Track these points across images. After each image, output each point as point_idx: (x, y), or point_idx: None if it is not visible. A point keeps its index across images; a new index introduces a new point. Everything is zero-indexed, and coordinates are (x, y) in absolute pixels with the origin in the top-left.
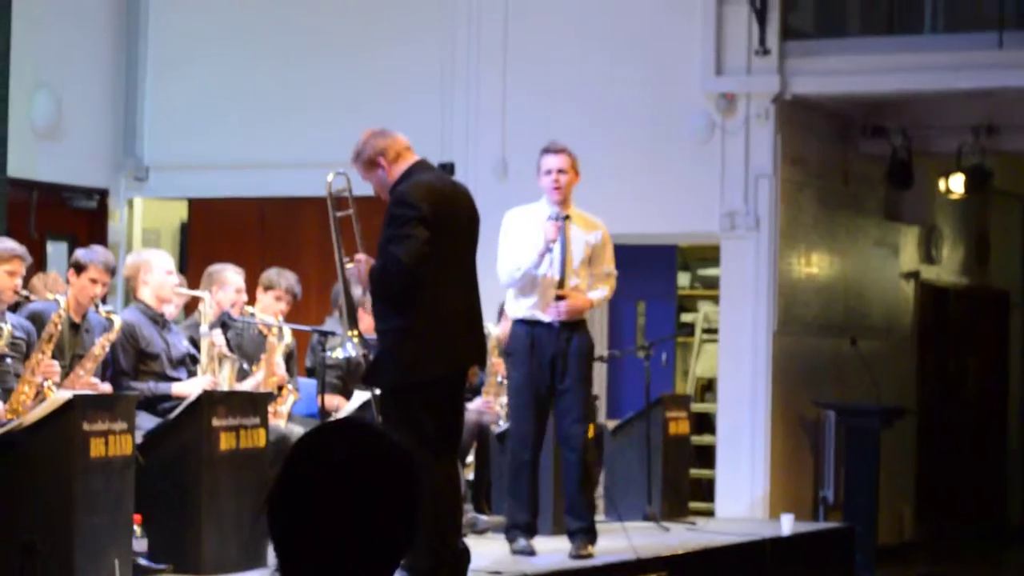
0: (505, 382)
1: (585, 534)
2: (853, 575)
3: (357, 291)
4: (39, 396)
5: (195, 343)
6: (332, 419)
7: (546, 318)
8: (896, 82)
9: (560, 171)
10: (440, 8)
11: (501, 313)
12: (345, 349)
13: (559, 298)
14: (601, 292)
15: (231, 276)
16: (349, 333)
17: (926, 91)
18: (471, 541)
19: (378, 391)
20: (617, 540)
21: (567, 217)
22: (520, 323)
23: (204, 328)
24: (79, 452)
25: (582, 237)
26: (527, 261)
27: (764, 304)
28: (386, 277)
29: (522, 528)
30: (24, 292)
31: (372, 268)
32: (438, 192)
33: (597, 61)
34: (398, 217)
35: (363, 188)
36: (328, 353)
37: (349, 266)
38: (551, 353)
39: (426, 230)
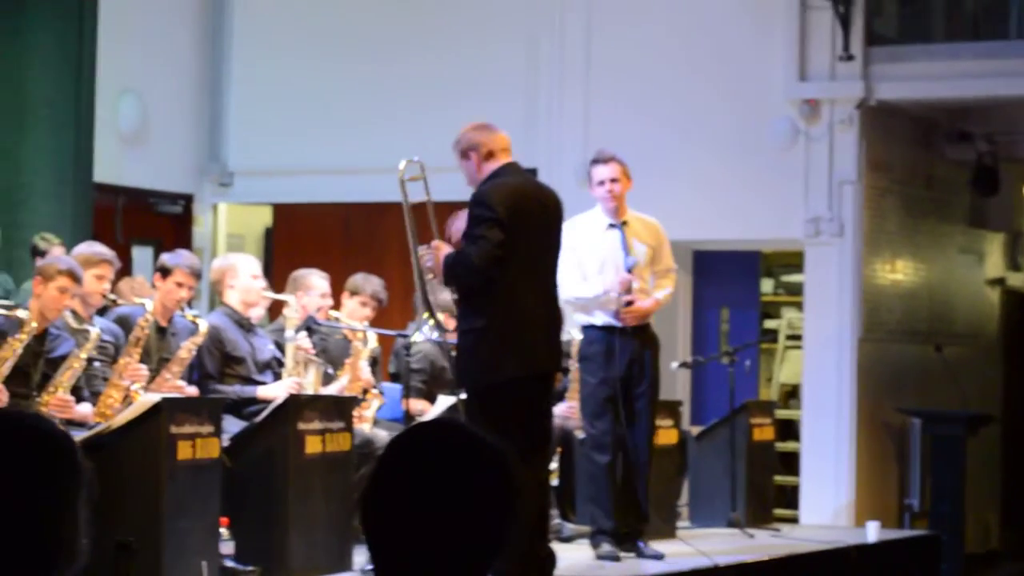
0: None
1: (639, 536)
2: None
3: (432, 276)
4: (126, 399)
5: (280, 347)
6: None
7: (618, 324)
8: (981, 87)
9: (613, 180)
10: (525, 16)
11: None
12: (422, 333)
13: (628, 303)
14: (665, 291)
15: (316, 281)
16: (425, 315)
17: (1011, 96)
18: (557, 548)
19: (464, 394)
20: (701, 545)
21: (624, 223)
22: (594, 329)
23: (289, 332)
24: (166, 455)
25: (641, 241)
26: (591, 292)
27: (848, 310)
28: (455, 269)
29: (606, 533)
30: (112, 296)
31: (447, 256)
32: (520, 195)
33: (680, 68)
34: (475, 217)
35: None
36: (413, 357)
37: (423, 251)
38: (628, 358)
39: (501, 233)
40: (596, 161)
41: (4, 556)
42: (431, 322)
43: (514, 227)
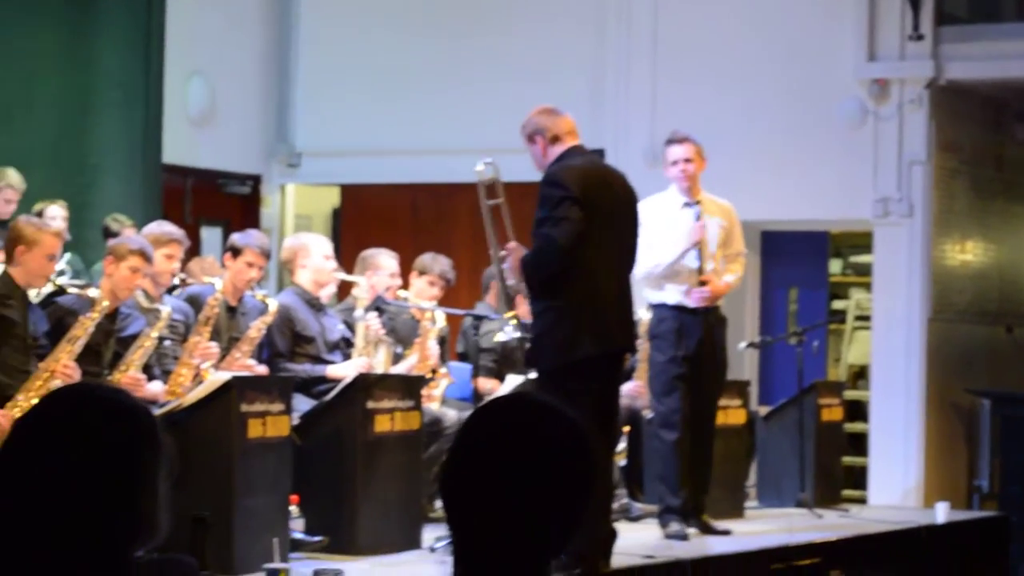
0: None
1: (702, 512)
2: (1008, 565)
3: (511, 280)
4: (197, 378)
5: (349, 327)
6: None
7: (691, 304)
8: None
9: (687, 160)
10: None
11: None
12: (504, 332)
13: (701, 283)
14: (735, 275)
15: (385, 260)
16: (506, 316)
17: None
18: (625, 527)
19: (534, 374)
20: (769, 525)
21: (698, 202)
22: (665, 308)
23: (359, 312)
24: (237, 433)
25: (715, 222)
26: (667, 257)
27: (917, 291)
28: (540, 259)
29: (674, 511)
30: (182, 275)
31: (524, 255)
32: (589, 175)
33: (748, 47)
34: (550, 198)
35: (512, 175)
36: (481, 337)
37: (502, 254)
38: (697, 338)
39: (579, 210)
40: (671, 141)
41: (87, 529)
42: (513, 322)
43: (588, 206)
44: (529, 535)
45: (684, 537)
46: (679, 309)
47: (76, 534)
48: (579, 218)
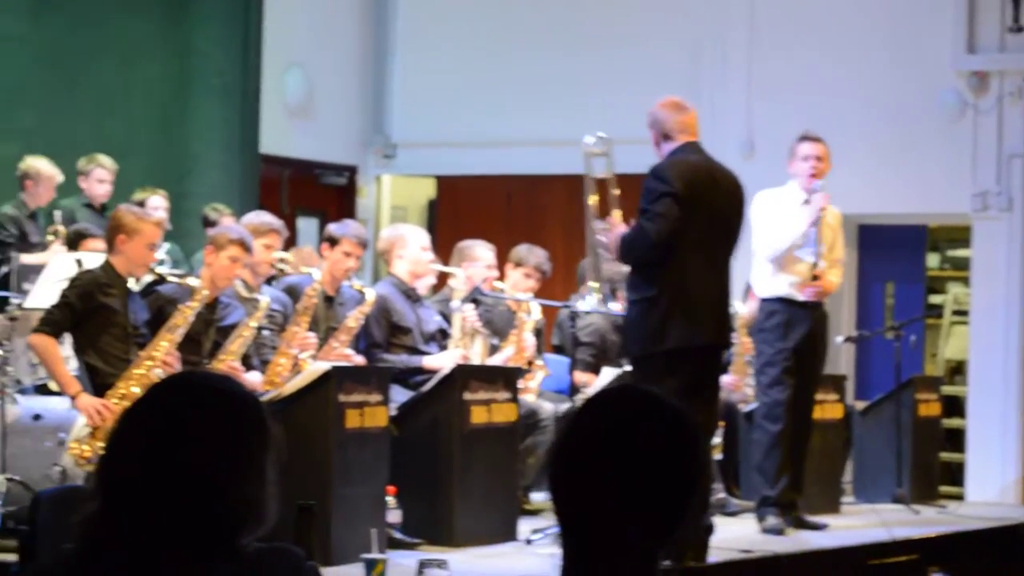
0: (753, 361)
1: (796, 507)
2: None
3: (606, 254)
4: (295, 368)
5: (445, 318)
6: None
7: (801, 297)
8: None
9: (818, 158)
10: None
11: (747, 292)
12: (585, 301)
13: (814, 277)
14: (837, 278)
15: (482, 252)
16: (592, 284)
17: None
18: (721, 522)
19: (628, 366)
20: (865, 521)
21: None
22: (775, 301)
23: (455, 303)
24: (335, 423)
25: (829, 223)
26: (794, 232)
27: (1017, 286)
28: (632, 246)
29: (770, 504)
30: (280, 265)
31: (623, 234)
32: (697, 172)
33: (846, 39)
34: (652, 191)
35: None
36: (578, 330)
37: (600, 225)
38: (804, 332)
39: (677, 207)
40: (806, 138)
41: (197, 516)
42: (597, 294)
43: (690, 202)
44: (637, 526)
45: (781, 531)
46: (788, 302)
47: (185, 521)
48: (676, 215)
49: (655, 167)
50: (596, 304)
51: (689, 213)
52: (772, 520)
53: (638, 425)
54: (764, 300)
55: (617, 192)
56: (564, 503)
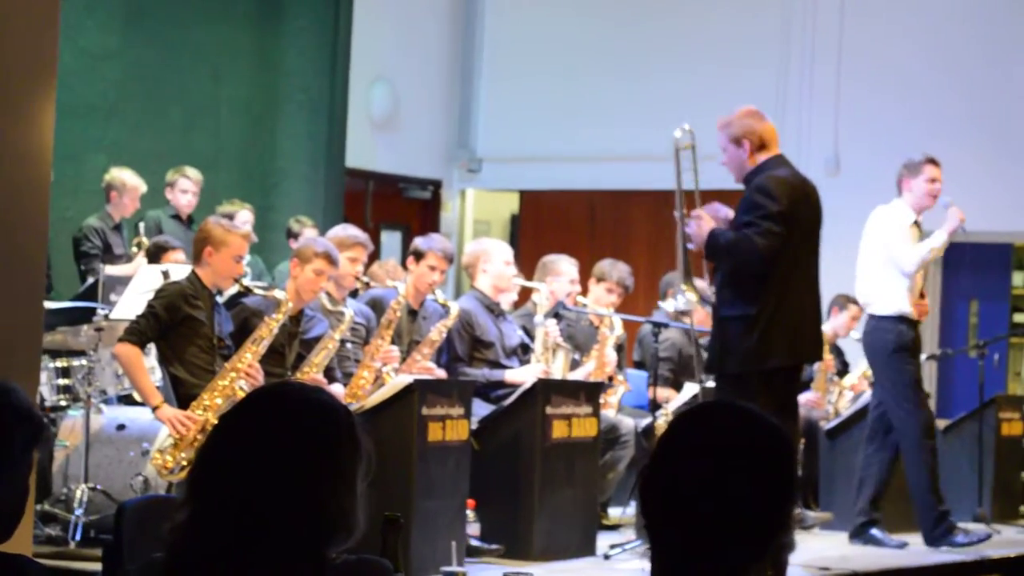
0: (835, 378)
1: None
2: None
3: (691, 244)
4: (378, 381)
5: (528, 332)
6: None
7: (916, 316)
8: None
9: (940, 182)
10: (777, 4)
11: (831, 310)
12: (677, 301)
13: (921, 296)
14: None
15: (566, 267)
16: (683, 286)
17: None
18: (801, 539)
19: (711, 383)
20: None
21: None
22: (901, 320)
23: (538, 318)
24: (418, 435)
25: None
26: (938, 242)
27: None
28: (734, 252)
29: (949, 515)
30: (364, 279)
31: (715, 231)
32: (797, 190)
33: (932, 57)
34: (760, 206)
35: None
36: (660, 344)
37: (688, 220)
38: (919, 349)
39: (784, 227)
40: (932, 161)
41: (287, 525)
42: (689, 294)
43: (791, 220)
44: (730, 542)
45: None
46: (910, 321)
47: (275, 531)
48: (783, 233)
49: (761, 183)
50: (689, 304)
51: (789, 231)
52: (965, 535)
53: (736, 439)
54: (887, 318)
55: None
56: (656, 516)
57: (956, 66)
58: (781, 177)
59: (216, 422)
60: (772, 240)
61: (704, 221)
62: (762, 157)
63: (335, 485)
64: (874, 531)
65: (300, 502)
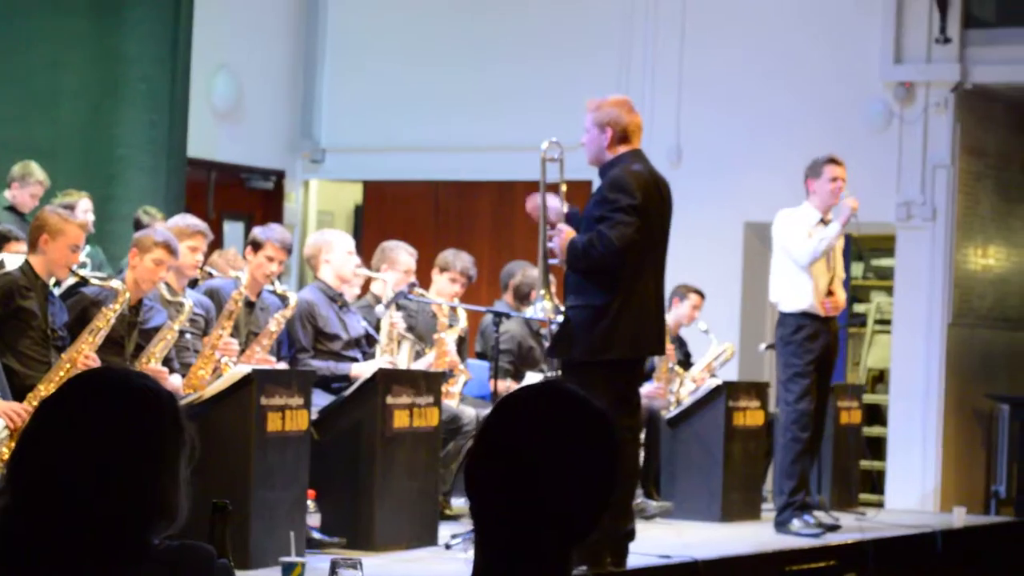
0: (676, 368)
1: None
2: None
3: (555, 259)
4: (216, 372)
5: (369, 323)
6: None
7: (822, 312)
8: None
9: (842, 180)
10: None
11: (671, 299)
12: (535, 309)
13: (829, 293)
14: (842, 293)
15: (403, 257)
16: (543, 292)
17: None
18: (642, 528)
19: (553, 371)
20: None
21: (826, 221)
22: (801, 315)
23: (380, 308)
24: (256, 426)
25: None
26: (830, 234)
27: (939, 296)
28: (591, 252)
29: (799, 508)
30: (208, 268)
31: (573, 240)
32: (650, 185)
33: (775, 49)
34: (613, 201)
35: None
36: (500, 335)
37: (550, 233)
38: (824, 344)
39: (639, 219)
40: (834, 161)
41: (108, 511)
42: (548, 303)
43: (644, 214)
44: (553, 522)
45: (833, 527)
46: (812, 316)
47: (96, 517)
48: (637, 226)
49: (615, 176)
50: (546, 312)
51: (642, 224)
52: (801, 522)
53: (556, 420)
54: (789, 314)
55: (563, 199)
56: (479, 500)
57: (796, 59)
58: (636, 171)
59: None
60: (626, 232)
61: (566, 233)
62: (621, 149)
63: (157, 471)
64: (795, 519)
65: (121, 487)
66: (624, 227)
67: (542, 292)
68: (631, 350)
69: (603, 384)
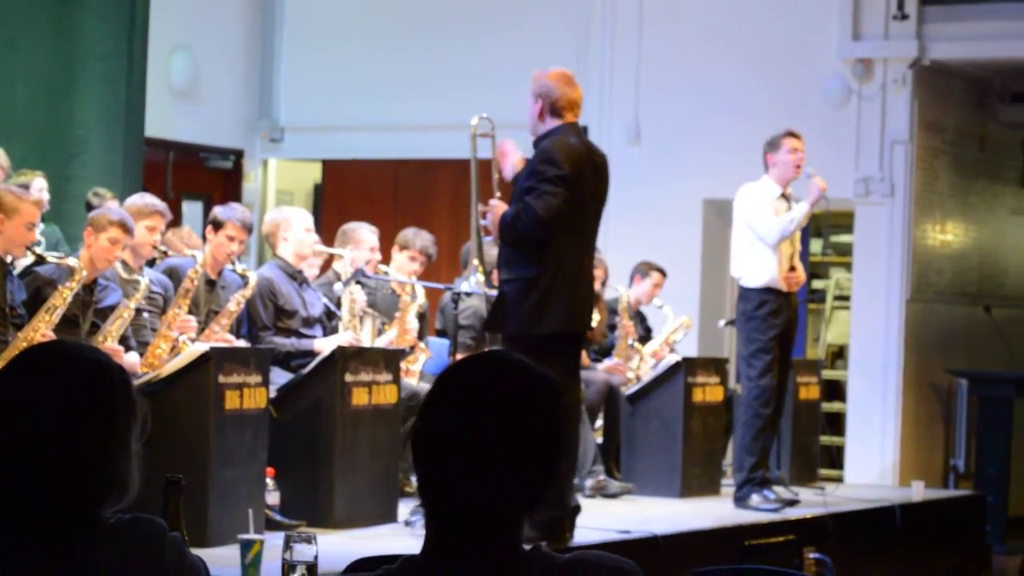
0: (636, 344)
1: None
2: (984, 545)
3: (487, 235)
4: (174, 350)
5: (330, 300)
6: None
7: (785, 288)
8: None
9: (801, 152)
10: None
11: (633, 276)
12: (468, 283)
13: (791, 268)
14: (800, 268)
15: (366, 235)
16: (476, 264)
17: None
18: (602, 503)
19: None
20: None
21: (787, 196)
22: (763, 291)
23: (339, 286)
24: (214, 404)
25: None
26: (799, 214)
27: (897, 271)
28: (517, 225)
29: (758, 484)
30: (163, 247)
31: (504, 214)
32: (583, 156)
33: (733, 27)
34: (540, 172)
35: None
36: (460, 312)
37: (482, 209)
38: (785, 319)
39: (566, 190)
40: (792, 134)
41: (59, 484)
42: (480, 276)
43: (574, 186)
44: (501, 489)
45: (792, 503)
46: (775, 292)
47: (46, 489)
48: (564, 197)
49: (545, 150)
50: (479, 286)
51: (572, 197)
52: (760, 497)
53: (501, 387)
54: (751, 289)
55: (499, 175)
56: (427, 467)
57: (753, 35)
58: (567, 143)
59: None
60: (552, 201)
61: (497, 209)
62: (553, 123)
63: (109, 444)
64: (754, 495)
65: (72, 461)
66: (551, 197)
67: (475, 265)
68: (563, 324)
69: (538, 358)
